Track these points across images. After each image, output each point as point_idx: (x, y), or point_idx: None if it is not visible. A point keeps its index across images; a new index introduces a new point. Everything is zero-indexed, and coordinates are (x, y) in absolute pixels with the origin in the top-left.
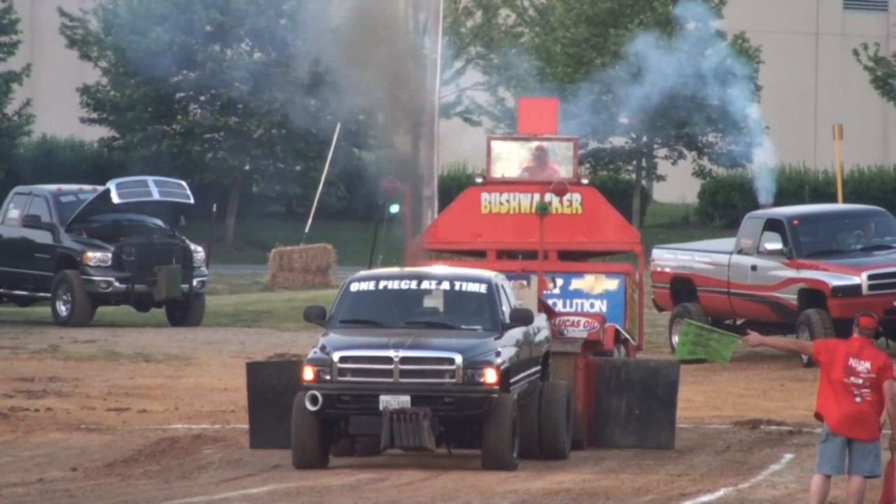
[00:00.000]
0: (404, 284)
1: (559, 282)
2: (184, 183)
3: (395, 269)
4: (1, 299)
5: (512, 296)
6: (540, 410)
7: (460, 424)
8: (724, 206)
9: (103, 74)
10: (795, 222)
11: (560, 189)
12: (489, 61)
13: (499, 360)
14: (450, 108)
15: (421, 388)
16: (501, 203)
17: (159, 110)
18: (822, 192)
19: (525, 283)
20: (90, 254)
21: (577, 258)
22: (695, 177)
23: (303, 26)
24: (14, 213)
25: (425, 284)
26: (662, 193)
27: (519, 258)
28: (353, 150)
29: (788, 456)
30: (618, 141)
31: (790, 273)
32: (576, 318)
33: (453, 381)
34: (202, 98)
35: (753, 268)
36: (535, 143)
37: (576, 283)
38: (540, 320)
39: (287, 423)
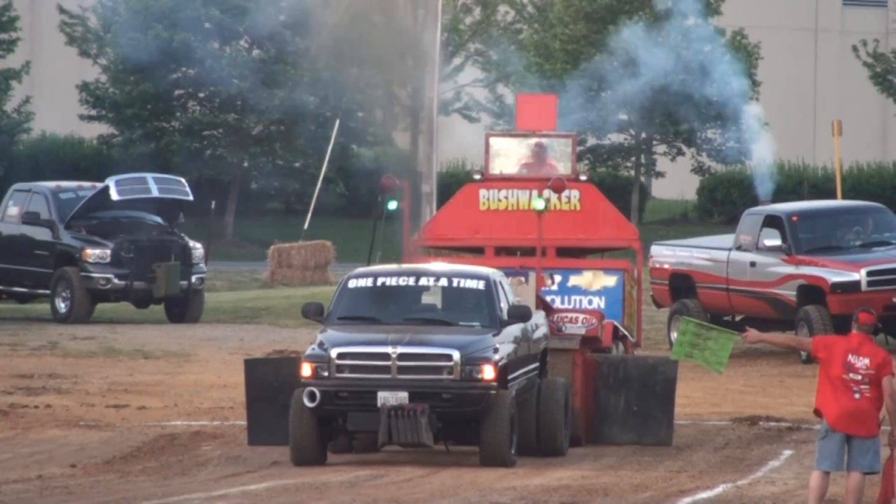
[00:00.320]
0: (402, 281)
1: (557, 278)
2: (183, 180)
3: (393, 266)
4: (0, 296)
5: (510, 292)
6: (538, 407)
7: (458, 421)
8: (722, 203)
9: (102, 72)
10: (794, 219)
11: (558, 186)
12: (488, 58)
13: (497, 357)
14: (449, 104)
15: (419, 384)
16: (500, 200)
17: (158, 107)
18: (822, 188)
19: (523, 279)
20: (89, 250)
21: (575, 255)
22: (693, 173)
23: (302, 23)
24: (13, 210)
25: (423, 281)
26: (661, 190)
27: (517, 255)
28: (352, 147)
29: (787, 452)
30: (616, 137)
31: (789, 269)
32: (574, 315)
33: (451, 377)
34: (201, 95)
35: (752, 264)
36: (533, 140)
37: (574, 280)
38: (538, 317)
39: (285, 420)
